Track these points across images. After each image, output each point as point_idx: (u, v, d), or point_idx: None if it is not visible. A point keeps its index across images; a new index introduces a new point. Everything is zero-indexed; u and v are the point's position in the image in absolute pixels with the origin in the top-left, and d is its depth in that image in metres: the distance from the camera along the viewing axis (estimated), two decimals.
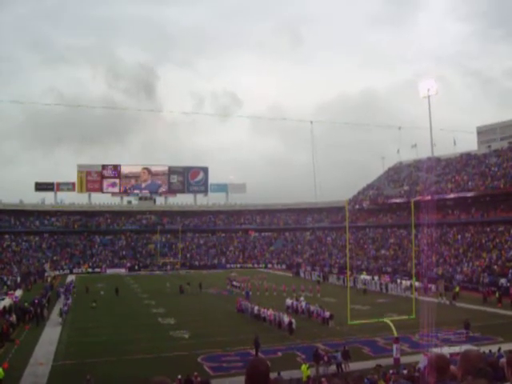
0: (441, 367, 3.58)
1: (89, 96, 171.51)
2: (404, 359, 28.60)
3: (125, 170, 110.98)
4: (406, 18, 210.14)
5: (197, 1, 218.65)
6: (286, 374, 24.46)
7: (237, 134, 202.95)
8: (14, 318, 41.10)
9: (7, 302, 50.33)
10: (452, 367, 3.69)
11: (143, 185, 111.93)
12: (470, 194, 73.93)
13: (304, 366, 25.97)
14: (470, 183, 75.16)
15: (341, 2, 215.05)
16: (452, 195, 76.65)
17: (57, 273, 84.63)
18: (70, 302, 50.98)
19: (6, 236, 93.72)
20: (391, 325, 30.21)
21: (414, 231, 42.27)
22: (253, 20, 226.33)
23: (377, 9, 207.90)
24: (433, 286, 55.00)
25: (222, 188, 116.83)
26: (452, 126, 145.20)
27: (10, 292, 58.04)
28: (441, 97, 79.79)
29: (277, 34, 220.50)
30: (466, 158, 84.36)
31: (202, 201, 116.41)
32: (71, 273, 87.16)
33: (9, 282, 68.12)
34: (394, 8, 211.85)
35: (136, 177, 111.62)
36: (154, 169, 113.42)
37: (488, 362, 3.38)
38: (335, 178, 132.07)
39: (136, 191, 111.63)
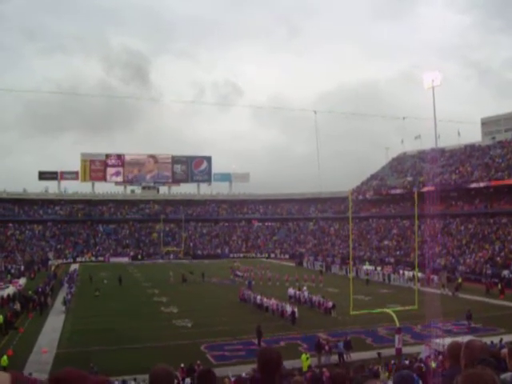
0: (458, 354, 3.62)
1: (89, 85, 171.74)
2: (406, 350, 28.72)
3: (128, 159, 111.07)
4: (407, 10, 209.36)
5: None
6: (288, 364, 24.55)
7: (238, 124, 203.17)
8: (18, 306, 41.34)
9: (11, 290, 50.58)
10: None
11: (148, 175, 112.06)
12: (473, 186, 73.78)
13: (304, 356, 26.05)
14: (473, 174, 75.05)
15: None
16: (456, 186, 76.55)
17: (60, 261, 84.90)
18: (73, 290, 51.21)
19: (10, 225, 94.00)
20: (393, 315, 30.32)
21: (417, 222, 42.25)
22: (253, 10, 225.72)
23: (377, 0, 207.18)
24: (435, 277, 54.96)
25: (226, 177, 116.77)
26: (454, 117, 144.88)
27: (13, 280, 58.35)
28: (442, 88, 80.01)
29: (278, 24, 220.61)
30: (470, 150, 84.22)
31: (205, 190, 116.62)
32: (75, 261, 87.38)
33: (13, 271, 68.51)
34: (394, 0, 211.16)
35: (140, 165, 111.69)
36: (157, 158, 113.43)
37: (491, 353, 3.40)
38: (338, 168, 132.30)
39: (139, 180, 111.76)
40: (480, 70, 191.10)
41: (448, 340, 25.12)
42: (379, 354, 26.97)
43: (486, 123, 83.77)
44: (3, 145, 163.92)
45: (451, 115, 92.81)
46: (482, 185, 72.24)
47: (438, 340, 26.50)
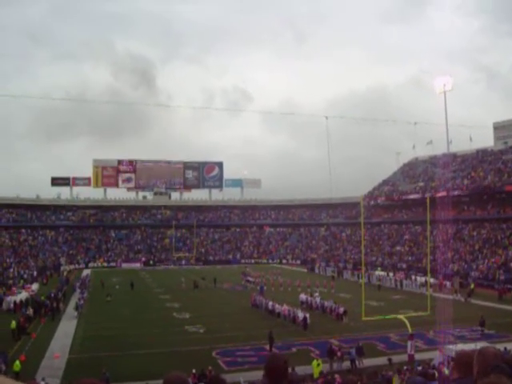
0: (466, 363, 3.60)
1: (99, 92, 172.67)
2: (418, 356, 28.54)
3: (140, 165, 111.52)
4: (415, 14, 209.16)
5: None
6: (300, 370, 24.49)
7: (249, 129, 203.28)
8: (30, 311, 41.53)
9: (24, 295, 50.84)
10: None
11: (160, 181, 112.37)
12: (485, 191, 73.35)
13: (315, 362, 25.97)
14: (486, 179, 74.63)
15: None
16: (468, 191, 76.15)
17: (72, 267, 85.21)
18: (85, 295, 51.39)
19: (23, 230, 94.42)
20: (406, 321, 30.16)
21: (429, 227, 42.07)
22: (262, 16, 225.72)
23: (386, 5, 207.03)
24: (448, 283, 54.72)
25: (237, 183, 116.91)
26: (465, 121, 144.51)
27: (26, 286, 58.63)
28: (452, 92, 79.22)
29: (286, 29, 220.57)
30: (482, 154, 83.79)
31: (216, 196, 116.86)
32: (87, 267, 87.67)
33: (25, 276, 68.79)
34: (403, 4, 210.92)
35: (151, 171, 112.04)
36: (168, 164, 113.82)
37: (504, 360, 3.37)
38: (349, 173, 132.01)
39: (151, 186, 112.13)
40: (489, 74, 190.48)
41: (461, 346, 25.01)
42: (390, 359, 26.84)
43: (498, 128, 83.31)
44: (16, 151, 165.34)
45: (462, 120, 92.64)
46: (494, 190, 71.83)
47: (450, 346, 26.35)
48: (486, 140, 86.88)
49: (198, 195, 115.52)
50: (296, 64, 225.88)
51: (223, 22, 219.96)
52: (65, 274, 75.25)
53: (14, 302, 46.64)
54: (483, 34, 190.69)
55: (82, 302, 46.74)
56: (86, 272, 77.75)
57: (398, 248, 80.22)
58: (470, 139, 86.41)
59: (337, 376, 22.82)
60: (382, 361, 27.92)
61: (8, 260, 78.64)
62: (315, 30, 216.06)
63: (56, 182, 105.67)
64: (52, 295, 47.82)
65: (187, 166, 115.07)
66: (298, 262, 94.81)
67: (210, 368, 24.73)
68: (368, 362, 28.08)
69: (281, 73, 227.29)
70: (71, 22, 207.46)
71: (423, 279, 55.10)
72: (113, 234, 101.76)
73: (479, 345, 24.62)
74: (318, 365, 25.74)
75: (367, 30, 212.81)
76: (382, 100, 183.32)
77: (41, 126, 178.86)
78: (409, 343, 29.02)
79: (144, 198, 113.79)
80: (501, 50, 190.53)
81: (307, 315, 37.69)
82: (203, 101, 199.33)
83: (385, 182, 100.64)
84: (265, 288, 54.83)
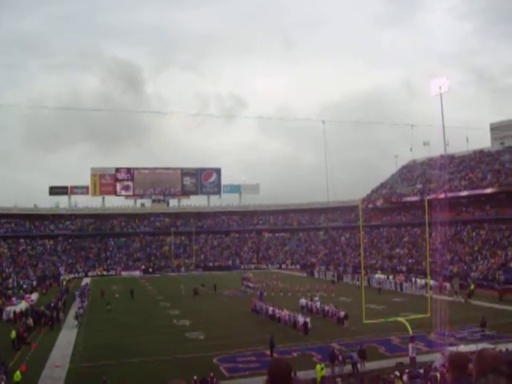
0: (459, 365, 3.58)
1: (94, 101, 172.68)
2: (420, 358, 28.49)
3: (138, 172, 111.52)
4: (408, 17, 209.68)
5: (201, 5, 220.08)
6: (301, 374, 24.44)
7: (246, 135, 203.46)
8: (30, 321, 41.44)
9: (23, 305, 50.73)
10: (470, 366, 3.67)
11: (158, 189, 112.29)
12: (484, 192, 73.39)
13: (318, 366, 25.94)
14: (483, 180, 74.69)
15: (344, 3, 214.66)
16: (466, 193, 76.17)
17: (72, 276, 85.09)
18: (85, 304, 51.27)
19: (22, 240, 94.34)
20: (406, 324, 30.13)
21: (428, 229, 42.07)
22: (256, 22, 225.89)
23: (378, 9, 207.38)
24: (448, 285, 54.71)
25: (236, 189, 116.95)
26: (461, 123, 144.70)
27: (26, 295, 58.49)
28: (447, 94, 79.09)
29: (281, 35, 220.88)
30: (480, 155, 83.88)
31: (215, 202, 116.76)
32: (86, 276, 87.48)
33: (25, 286, 68.70)
34: (395, 8, 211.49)
35: (149, 178, 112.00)
36: (166, 171, 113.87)
37: (504, 361, 3.35)
38: (347, 177, 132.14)
39: (149, 193, 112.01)
40: (481, 76, 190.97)
41: (462, 347, 24.99)
42: (401, 363, 26.82)
43: (495, 128, 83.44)
44: (13, 161, 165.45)
45: (457, 121, 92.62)
46: (492, 191, 71.85)
47: (451, 347, 26.33)
48: (482, 141, 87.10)
49: (196, 202, 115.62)
50: (290, 69, 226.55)
51: (217, 28, 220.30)
52: (64, 283, 75.17)
53: (14, 312, 46.54)
54: (475, 36, 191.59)
55: (81, 311, 46.69)
56: (85, 281, 77.48)
57: (397, 250, 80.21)
58: (467, 140, 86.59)
59: (338, 380, 22.80)
60: (383, 364, 27.90)
61: (7, 270, 78.59)
62: (308, 35, 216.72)
63: (54, 191, 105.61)
64: (52, 305, 47.76)
65: (185, 172, 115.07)
66: (298, 266, 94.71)
67: (211, 375, 24.69)
68: (369, 365, 28.02)
69: (275, 78, 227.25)
70: (66, 31, 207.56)
71: (423, 281, 55.05)
72: (112, 243, 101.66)
73: (480, 346, 24.64)
74: (322, 369, 25.69)
75: (360, 33, 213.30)
76: (377, 103, 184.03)
77: (37, 135, 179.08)
78: (410, 346, 28.96)
79: (142, 205, 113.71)
80: (493, 51, 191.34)
81: (308, 320, 37.66)
82: (198, 107, 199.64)
83: (383, 185, 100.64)
84: (264, 293, 54.81)
